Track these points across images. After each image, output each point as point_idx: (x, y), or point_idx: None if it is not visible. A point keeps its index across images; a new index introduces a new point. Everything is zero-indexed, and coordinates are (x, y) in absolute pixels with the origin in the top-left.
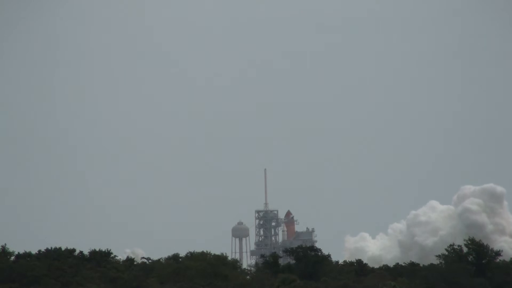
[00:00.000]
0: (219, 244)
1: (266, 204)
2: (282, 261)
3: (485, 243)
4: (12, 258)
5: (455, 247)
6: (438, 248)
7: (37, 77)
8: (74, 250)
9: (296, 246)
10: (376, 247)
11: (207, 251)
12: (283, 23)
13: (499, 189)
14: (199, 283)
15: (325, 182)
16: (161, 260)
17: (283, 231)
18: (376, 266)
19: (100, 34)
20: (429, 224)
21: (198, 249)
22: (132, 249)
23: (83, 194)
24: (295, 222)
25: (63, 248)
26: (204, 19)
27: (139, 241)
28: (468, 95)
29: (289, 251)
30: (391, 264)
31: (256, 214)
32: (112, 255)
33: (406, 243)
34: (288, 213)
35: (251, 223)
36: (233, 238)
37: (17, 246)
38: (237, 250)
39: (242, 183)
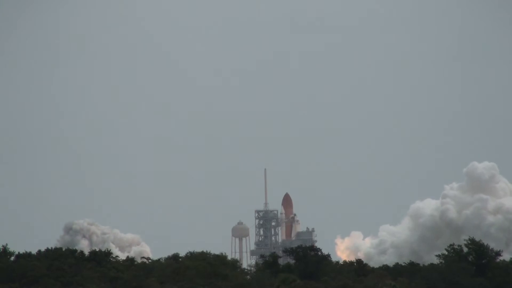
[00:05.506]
0: (219, 244)
1: (266, 204)
2: (282, 261)
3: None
4: (12, 258)
5: (455, 247)
6: (429, 250)
7: (37, 77)
8: (74, 250)
9: (296, 246)
10: (368, 245)
11: (207, 251)
12: (283, 23)
13: (481, 171)
14: (199, 283)
15: (326, 181)
16: (161, 260)
17: (281, 214)
18: (371, 265)
19: (100, 34)
20: (418, 226)
21: (198, 249)
22: (140, 245)
23: (83, 194)
24: (296, 222)
25: (63, 248)
26: (204, 19)
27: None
28: (468, 95)
29: (289, 251)
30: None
31: (256, 214)
32: (112, 255)
33: (399, 244)
34: (287, 196)
35: (251, 223)
36: (233, 238)
37: (17, 246)
38: (237, 250)
39: (242, 183)
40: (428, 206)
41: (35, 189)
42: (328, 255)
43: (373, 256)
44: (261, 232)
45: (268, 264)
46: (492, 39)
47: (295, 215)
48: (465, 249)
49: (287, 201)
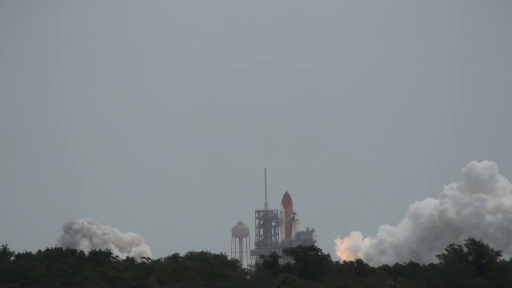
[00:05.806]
0: (219, 244)
1: (266, 204)
2: (282, 261)
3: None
4: (12, 258)
5: (455, 247)
6: (428, 250)
7: (37, 77)
8: (74, 250)
9: (296, 246)
10: (368, 245)
11: (207, 251)
12: (283, 23)
13: (480, 170)
14: (199, 283)
15: (326, 181)
16: (161, 260)
17: (280, 213)
18: (371, 265)
19: (100, 35)
20: (418, 226)
21: (198, 249)
22: (140, 246)
23: (83, 194)
24: (296, 222)
25: (63, 248)
26: (204, 19)
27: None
28: (468, 95)
29: (289, 251)
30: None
31: (256, 214)
32: (112, 255)
33: (399, 244)
34: (287, 194)
35: (251, 223)
36: (233, 238)
37: (17, 246)
38: (237, 250)
39: (242, 183)
40: (427, 206)
41: (35, 189)
42: (328, 255)
43: (373, 256)
44: (261, 232)
45: (268, 264)
46: (492, 39)
47: (295, 214)
48: (465, 249)
49: (287, 200)
